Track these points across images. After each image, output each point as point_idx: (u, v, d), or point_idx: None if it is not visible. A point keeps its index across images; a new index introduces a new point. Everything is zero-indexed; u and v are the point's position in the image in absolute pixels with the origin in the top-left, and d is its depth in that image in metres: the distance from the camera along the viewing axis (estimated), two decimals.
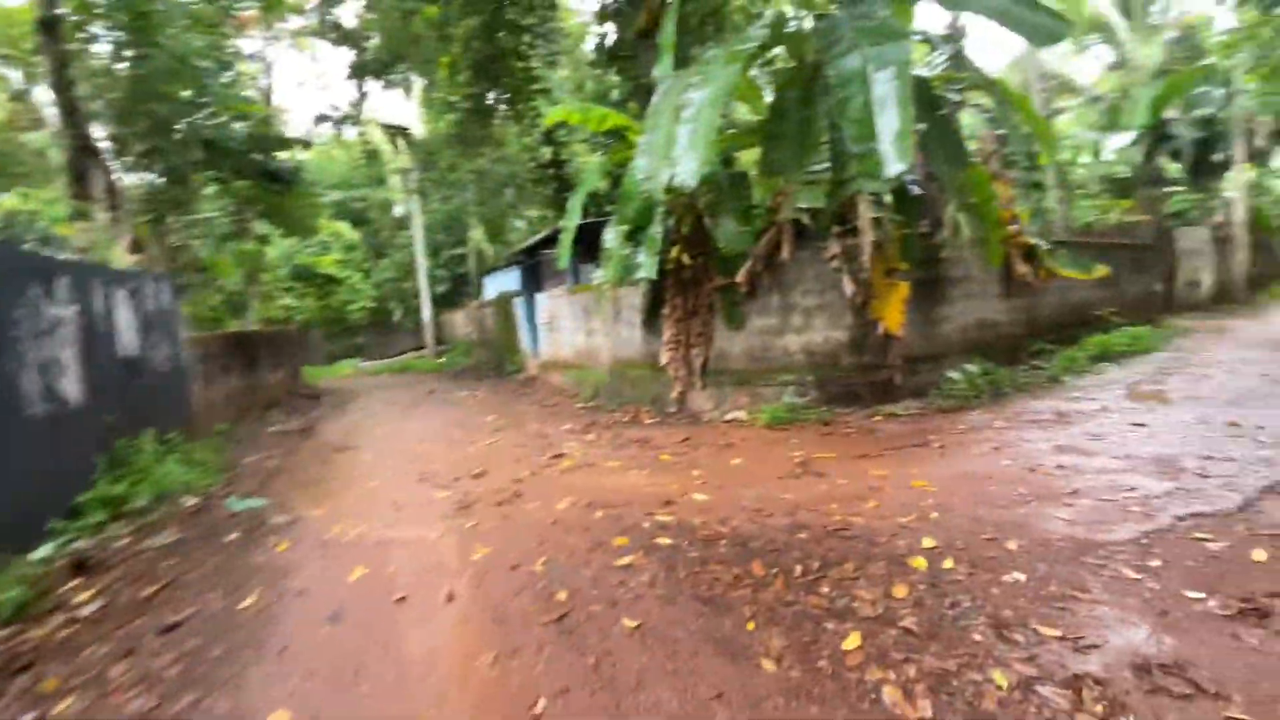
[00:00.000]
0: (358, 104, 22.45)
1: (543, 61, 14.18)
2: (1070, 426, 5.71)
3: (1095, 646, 2.42)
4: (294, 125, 24.76)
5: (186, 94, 10.60)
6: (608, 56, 10.92)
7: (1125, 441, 5.09)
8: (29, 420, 4.46)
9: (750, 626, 2.71)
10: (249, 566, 3.89)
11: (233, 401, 9.99)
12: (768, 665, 2.46)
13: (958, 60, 6.48)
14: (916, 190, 7.07)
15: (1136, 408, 6.26)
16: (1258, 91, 13.16)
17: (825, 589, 2.94)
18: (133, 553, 4.21)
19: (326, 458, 7.17)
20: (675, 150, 4.98)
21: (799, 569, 3.14)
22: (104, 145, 10.32)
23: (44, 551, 4.01)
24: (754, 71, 8.23)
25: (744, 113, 8.09)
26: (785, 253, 6.28)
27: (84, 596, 3.53)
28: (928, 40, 6.45)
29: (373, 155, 22.18)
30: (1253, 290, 16.93)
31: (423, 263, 22.21)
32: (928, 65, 6.65)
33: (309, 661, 2.75)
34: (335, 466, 6.65)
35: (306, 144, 16.68)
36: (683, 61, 7.15)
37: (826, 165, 5.33)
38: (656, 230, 6.20)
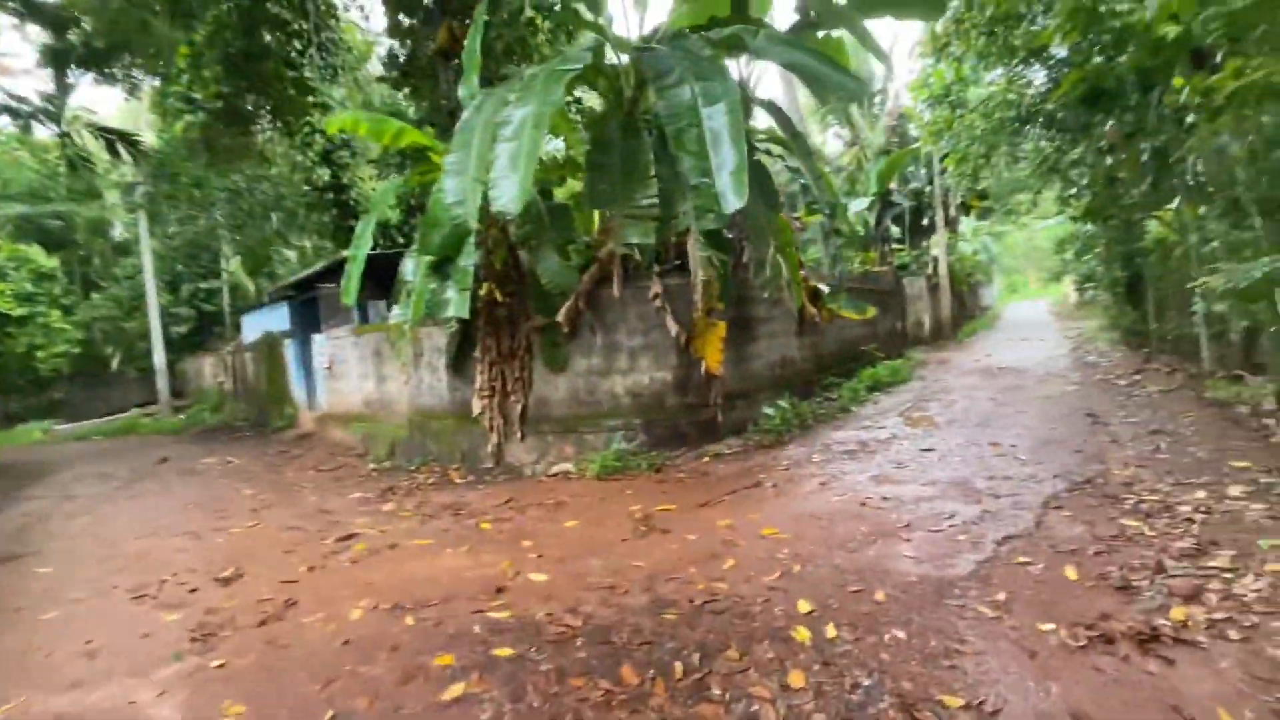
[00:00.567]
0: (56, 98, 17.77)
1: (318, 74, 12.48)
2: (874, 455, 6.13)
3: (999, 711, 2.26)
4: None
5: None
6: (401, 74, 9.84)
7: (924, 468, 5.54)
8: None
9: None
10: None
11: None
12: None
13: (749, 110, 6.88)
14: (726, 232, 7.28)
15: (917, 433, 7.00)
16: (953, 174, 16.65)
17: (715, 689, 2.44)
18: None
19: None
20: (494, 173, 4.35)
21: (678, 667, 2.61)
22: None
23: None
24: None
25: (557, 145, 7.76)
26: (616, 290, 5.92)
27: None
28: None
29: (79, 163, 17.56)
30: (955, 329, 21.20)
31: (154, 297, 17.98)
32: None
33: None
34: None
35: None
36: (490, 83, 6.56)
37: (653, 199, 5.14)
38: (468, 262, 5.43)
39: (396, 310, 6.15)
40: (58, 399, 21.39)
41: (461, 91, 6.41)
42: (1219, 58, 6.94)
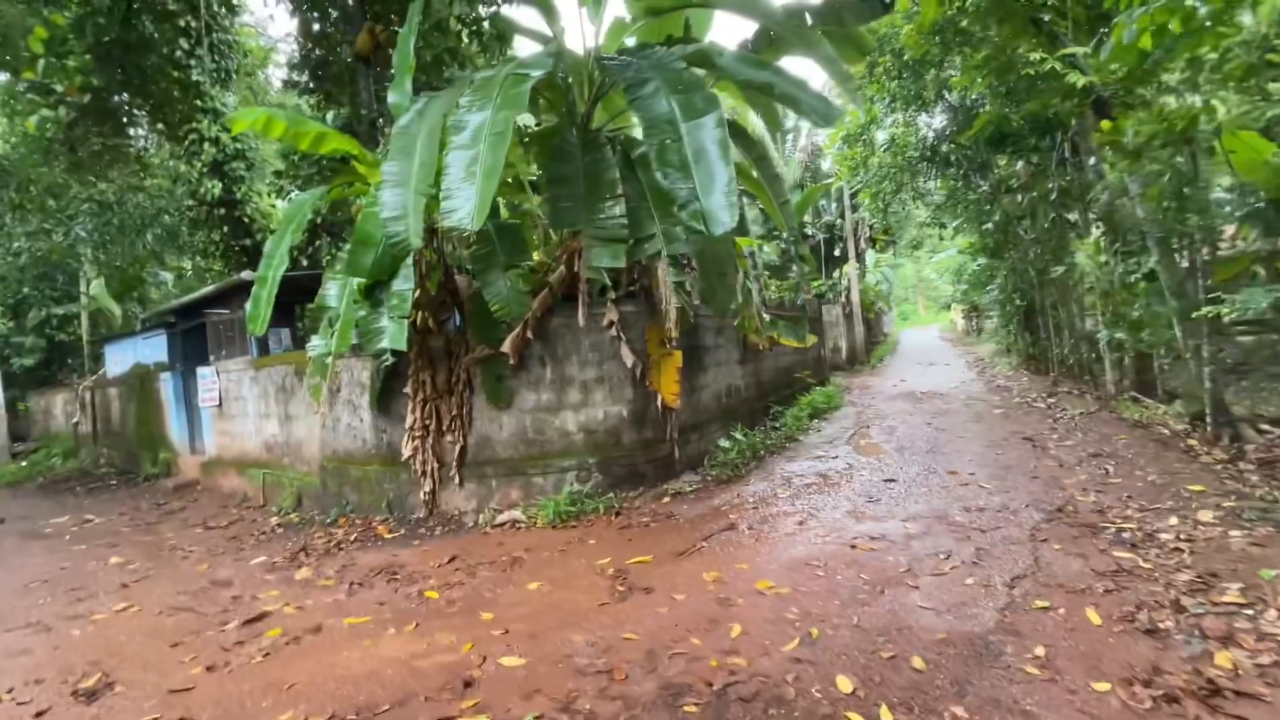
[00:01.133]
0: None
1: (209, 77, 11.15)
2: (840, 488, 5.93)
3: None
4: None
5: None
6: (313, 78, 8.90)
7: (896, 500, 5.38)
8: None
9: None
10: None
11: None
12: None
13: None
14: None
15: (871, 462, 6.92)
16: (867, 207, 17.54)
17: None
18: None
19: None
20: (446, 184, 3.77)
21: None
22: None
23: None
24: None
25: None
26: (581, 318, 5.38)
27: None
28: None
29: None
30: (867, 354, 22.19)
31: None
32: None
33: None
34: None
35: None
36: (418, 94, 5.94)
37: (619, 220, 4.69)
38: (404, 287, 4.74)
39: (316, 340, 5.29)
40: None
41: (392, 97, 5.73)
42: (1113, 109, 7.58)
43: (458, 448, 6.05)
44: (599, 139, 5.03)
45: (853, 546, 4.32)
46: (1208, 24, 4.42)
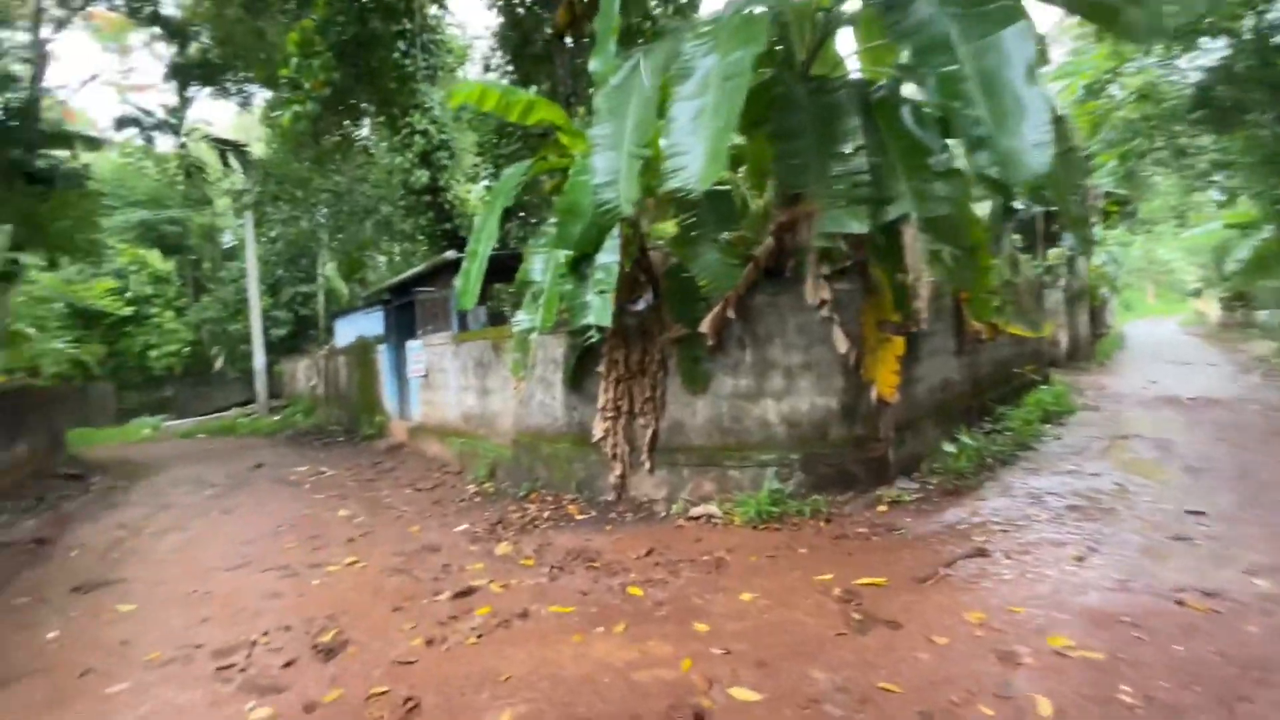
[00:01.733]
0: (178, 110, 18.58)
1: (420, 74, 12.11)
2: (1120, 517, 4.67)
3: None
4: (88, 124, 19.91)
5: None
6: (513, 59, 9.16)
7: (1219, 542, 4.06)
8: None
9: None
10: None
11: None
12: None
13: None
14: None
15: (1152, 485, 5.47)
16: (1115, 170, 14.61)
17: None
18: None
19: (48, 612, 4.32)
20: (670, 138, 3.33)
21: None
22: None
23: None
24: None
25: None
26: (810, 294, 4.76)
27: None
28: None
29: (194, 171, 18.22)
30: (1091, 348, 18.70)
31: (257, 300, 18.37)
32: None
33: None
34: (57, 638, 3.89)
35: (93, 142, 12.87)
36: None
37: (860, 177, 3.93)
38: (609, 260, 4.46)
39: (521, 316, 5.26)
40: (168, 396, 22.36)
41: (594, 64, 5.46)
42: None
43: (649, 432, 5.75)
44: (828, 84, 4.31)
45: (1179, 603, 3.23)
46: None
